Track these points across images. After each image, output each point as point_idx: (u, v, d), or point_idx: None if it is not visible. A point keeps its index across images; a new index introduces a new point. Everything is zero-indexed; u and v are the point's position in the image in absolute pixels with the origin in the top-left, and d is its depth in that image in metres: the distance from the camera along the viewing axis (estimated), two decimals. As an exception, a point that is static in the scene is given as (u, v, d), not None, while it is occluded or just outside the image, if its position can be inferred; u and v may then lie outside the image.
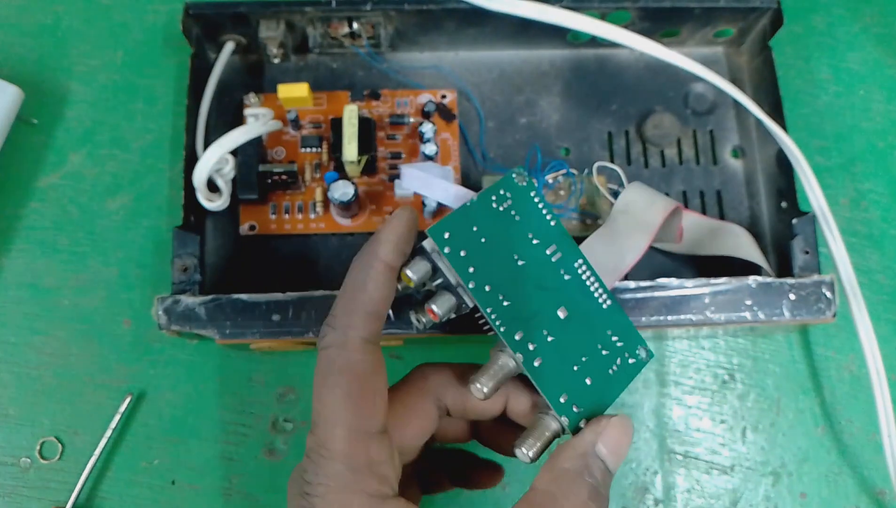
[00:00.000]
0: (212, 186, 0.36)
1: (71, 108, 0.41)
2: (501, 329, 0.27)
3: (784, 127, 0.37)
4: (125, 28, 0.43)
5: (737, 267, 0.36)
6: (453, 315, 0.28)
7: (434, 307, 0.27)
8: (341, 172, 0.38)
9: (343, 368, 0.25)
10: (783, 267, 0.37)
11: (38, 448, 0.36)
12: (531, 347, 0.27)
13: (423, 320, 0.28)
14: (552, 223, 0.29)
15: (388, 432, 0.26)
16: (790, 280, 0.34)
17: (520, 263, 0.28)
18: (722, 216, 0.40)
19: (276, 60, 0.40)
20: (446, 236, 0.27)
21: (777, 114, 0.38)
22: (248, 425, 0.37)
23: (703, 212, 0.40)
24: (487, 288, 0.27)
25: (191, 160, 0.36)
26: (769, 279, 0.34)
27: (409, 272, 0.27)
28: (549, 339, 0.28)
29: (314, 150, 0.39)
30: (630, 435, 0.27)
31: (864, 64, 0.44)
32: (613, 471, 0.26)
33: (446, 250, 0.27)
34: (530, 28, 0.39)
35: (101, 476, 0.36)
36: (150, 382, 0.37)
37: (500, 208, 0.28)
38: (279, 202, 0.38)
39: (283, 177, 0.37)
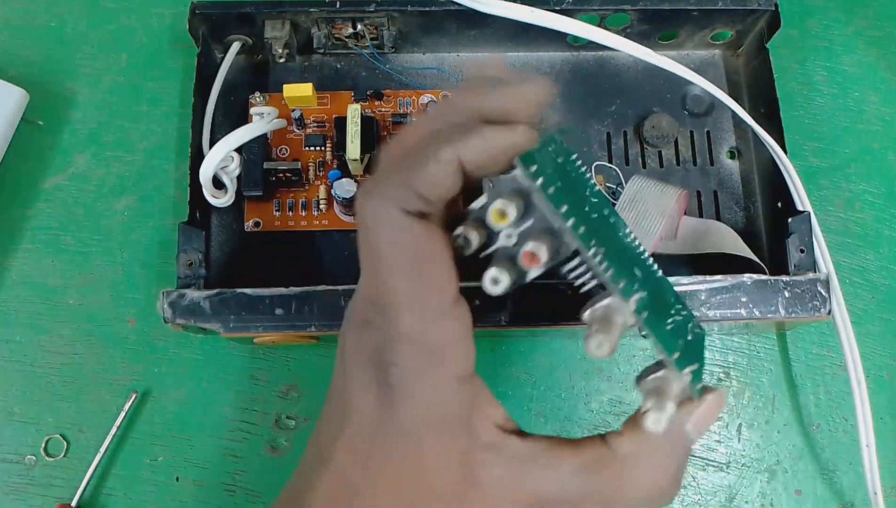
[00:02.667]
0: (217, 183, 0.37)
1: (76, 110, 0.42)
2: (610, 272, 0.22)
3: (781, 129, 0.38)
4: (129, 31, 0.43)
5: (732, 265, 0.37)
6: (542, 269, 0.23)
7: (535, 251, 0.22)
8: (344, 171, 0.38)
9: (390, 246, 0.22)
10: (779, 266, 0.37)
11: (43, 445, 0.37)
12: (637, 296, 0.23)
13: (505, 278, 0.22)
14: (596, 189, 0.25)
15: (461, 299, 0.23)
16: (785, 278, 0.34)
17: (595, 212, 0.23)
18: (718, 216, 0.40)
19: (281, 60, 0.41)
20: (534, 168, 0.21)
21: (773, 116, 0.38)
22: (251, 422, 0.37)
23: (700, 212, 0.40)
24: (582, 230, 0.22)
25: (196, 157, 0.37)
26: (764, 277, 0.34)
27: (500, 206, 0.21)
28: (643, 293, 0.23)
29: (318, 148, 0.39)
30: (719, 411, 0.25)
31: (859, 66, 0.44)
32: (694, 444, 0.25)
33: (540, 180, 0.21)
34: (530, 30, 0.39)
35: (105, 473, 0.37)
36: (154, 380, 0.38)
37: (559, 160, 0.23)
38: (283, 199, 0.39)
39: (288, 174, 0.37)
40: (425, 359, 0.22)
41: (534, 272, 0.22)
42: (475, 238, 0.22)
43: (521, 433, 0.25)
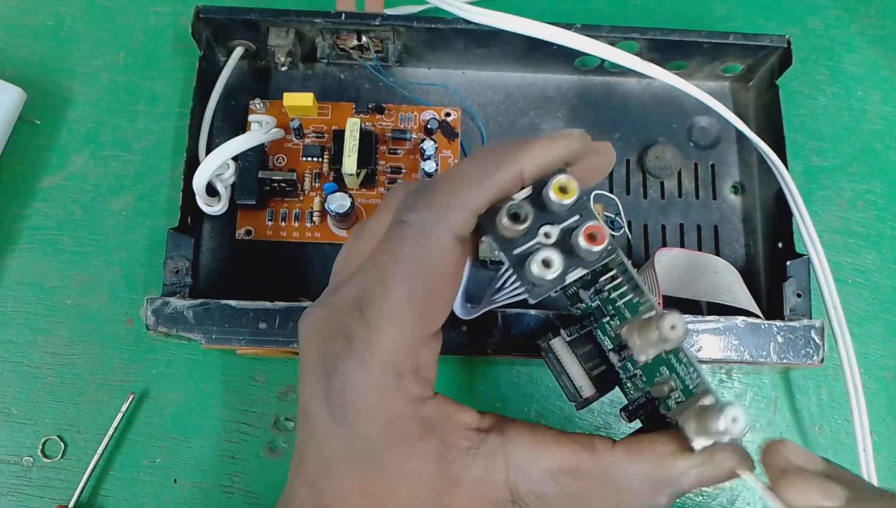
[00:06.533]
0: (211, 190, 0.37)
1: (73, 109, 0.41)
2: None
3: (786, 165, 0.37)
4: (127, 30, 0.43)
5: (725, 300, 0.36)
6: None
7: (597, 230, 0.22)
8: (340, 184, 0.38)
9: (418, 260, 0.22)
10: (774, 308, 0.37)
11: (40, 446, 0.37)
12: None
13: (558, 261, 0.22)
14: None
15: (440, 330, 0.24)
16: (779, 323, 0.34)
17: None
18: (718, 251, 0.39)
19: (284, 68, 0.40)
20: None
21: (780, 152, 0.37)
22: (249, 423, 0.37)
23: (699, 246, 0.39)
24: None
25: (192, 163, 0.36)
26: (758, 321, 0.34)
27: (565, 181, 0.21)
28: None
29: (315, 159, 0.39)
30: (721, 481, 0.24)
31: (861, 65, 0.44)
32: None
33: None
34: (538, 51, 0.39)
35: (103, 475, 0.36)
36: (152, 381, 0.38)
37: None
38: (277, 209, 0.38)
39: (282, 185, 0.37)
40: (387, 381, 0.22)
41: (578, 270, 0.21)
42: (529, 212, 0.21)
43: (500, 426, 0.24)
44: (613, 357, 0.27)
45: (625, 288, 0.24)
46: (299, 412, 0.25)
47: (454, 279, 0.23)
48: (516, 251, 0.22)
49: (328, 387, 0.23)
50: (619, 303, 0.24)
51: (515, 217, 0.21)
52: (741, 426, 0.21)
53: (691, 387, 0.24)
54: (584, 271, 0.22)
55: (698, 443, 0.23)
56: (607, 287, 0.24)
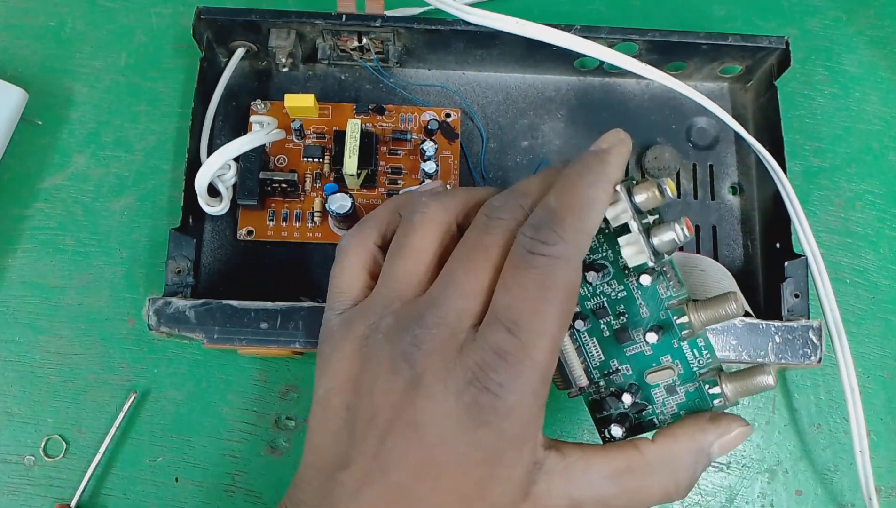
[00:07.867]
0: (212, 191, 0.37)
1: (75, 109, 0.42)
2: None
3: (784, 166, 0.37)
4: (129, 30, 0.43)
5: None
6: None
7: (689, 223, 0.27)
8: (341, 184, 0.38)
9: (566, 285, 0.25)
10: (772, 308, 0.37)
11: (42, 445, 0.37)
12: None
13: (682, 233, 0.26)
14: None
15: None
16: (777, 323, 0.34)
17: None
18: (716, 252, 0.39)
19: (285, 69, 0.40)
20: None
21: (778, 154, 0.37)
22: (250, 422, 0.37)
23: (697, 246, 0.39)
24: None
25: (193, 163, 0.36)
26: (756, 322, 0.34)
27: (670, 181, 0.26)
28: None
29: (316, 160, 0.39)
30: (743, 441, 0.28)
31: (860, 66, 0.44)
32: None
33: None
34: (537, 52, 0.39)
35: (104, 474, 0.37)
36: (153, 380, 0.38)
37: None
38: (278, 209, 0.39)
39: (283, 185, 0.37)
40: (538, 386, 0.24)
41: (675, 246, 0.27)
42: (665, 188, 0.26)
43: (555, 444, 0.26)
44: (595, 353, 0.29)
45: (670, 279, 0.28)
46: (364, 424, 0.25)
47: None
48: (644, 221, 0.27)
49: (478, 392, 0.24)
50: (671, 289, 0.28)
51: (661, 191, 0.26)
52: (773, 378, 0.27)
53: (695, 369, 0.28)
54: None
55: (733, 399, 0.28)
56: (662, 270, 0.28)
